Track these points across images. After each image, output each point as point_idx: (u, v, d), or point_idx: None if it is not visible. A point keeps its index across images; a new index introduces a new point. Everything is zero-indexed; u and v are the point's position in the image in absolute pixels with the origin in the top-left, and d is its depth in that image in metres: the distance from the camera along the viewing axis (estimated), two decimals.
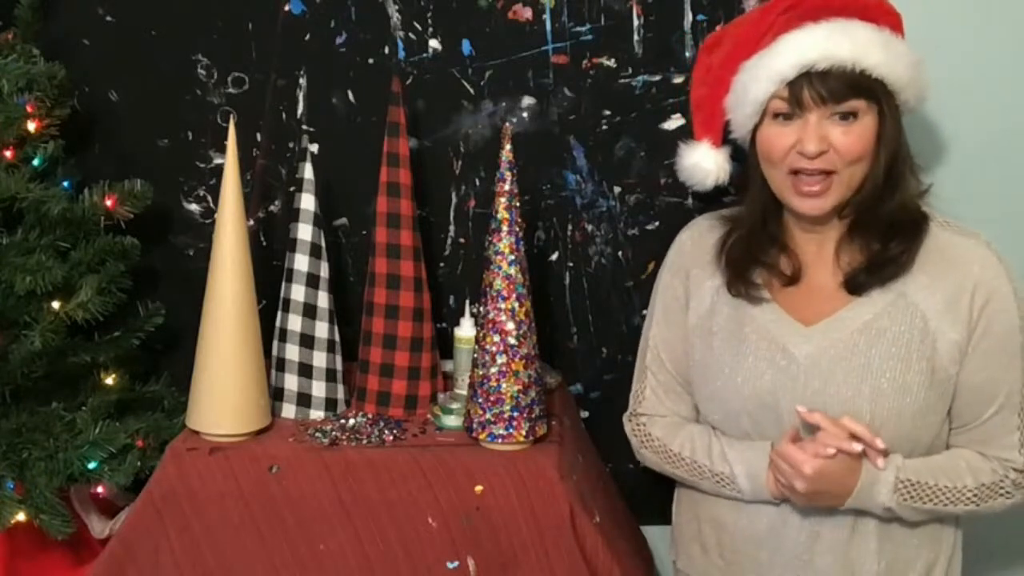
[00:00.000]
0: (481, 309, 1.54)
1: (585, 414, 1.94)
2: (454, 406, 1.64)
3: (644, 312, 1.85)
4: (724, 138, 1.58)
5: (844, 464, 1.40)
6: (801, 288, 1.49)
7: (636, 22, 1.81)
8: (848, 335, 1.44)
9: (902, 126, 1.45)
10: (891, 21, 1.45)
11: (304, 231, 1.64)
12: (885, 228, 1.44)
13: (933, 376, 1.42)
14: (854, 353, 1.43)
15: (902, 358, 1.42)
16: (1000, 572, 2.01)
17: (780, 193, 1.46)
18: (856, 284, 1.45)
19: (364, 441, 1.58)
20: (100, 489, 1.75)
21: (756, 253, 1.50)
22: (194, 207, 1.93)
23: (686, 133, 1.70)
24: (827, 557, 1.48)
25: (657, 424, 1.62)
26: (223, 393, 1.55)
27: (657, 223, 1.87)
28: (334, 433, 1.60)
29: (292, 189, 1.74)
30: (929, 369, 1.42)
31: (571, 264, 1.91)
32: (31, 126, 1.68)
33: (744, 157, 1.55)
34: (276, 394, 1.67)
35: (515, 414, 1.52)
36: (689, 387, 1.60)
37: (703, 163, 1.58)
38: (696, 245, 1.59)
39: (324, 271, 1.66)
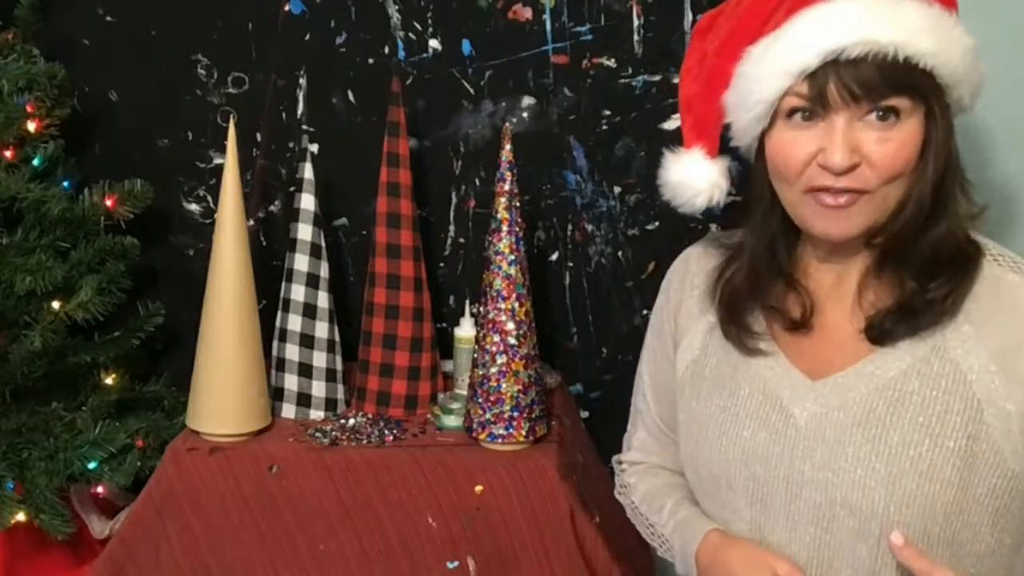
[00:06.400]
0: (481, 309, 1.54)
1: (585, 414, 1.94)
2: (454, 406, 1.64)
3: (644, 312, 1.86)
4: (722, 146, 1.23)
5: None
6: (812, 332, 1.17)
7: (636, 22, 1.81)
8: (864, 396, 1.11)
9: (953, 131, 1.10)
10: None
11: (304, 231, 1.64)
12: (926, 262, 1.10)
13: (975, 459, 1.06)
14: (870, 420, 1.10)
15: (932, 432, 1.07)
16: None
17: (796, 214, 1.12)
18: (881, 332, 1.11)
19: (364, 441, 1.58)
20: (100, 489, 1.76)
21: (758, 291, 1.19)
22: (194, 207, 1.93)
23: None
24: None
25: (633, 471, 1.41)
26: (223, 393, 1.55)
27: (657, 223, 1.87)
28: (334, 433, 1.60)
29: (292, 189, 1.74)
30: (969, 450, 1.06)
31: (571, 264, 1.91)
32: (31, 126, 1.68)
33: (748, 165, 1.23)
34: (276, 394, 1.67)
35: (515, 414, 1.52)
36: (675, 434, 1.33)
37: (692, 180, 1.22)
38: (692, 272, 1.30)
39: (324, 271, 1.66)
